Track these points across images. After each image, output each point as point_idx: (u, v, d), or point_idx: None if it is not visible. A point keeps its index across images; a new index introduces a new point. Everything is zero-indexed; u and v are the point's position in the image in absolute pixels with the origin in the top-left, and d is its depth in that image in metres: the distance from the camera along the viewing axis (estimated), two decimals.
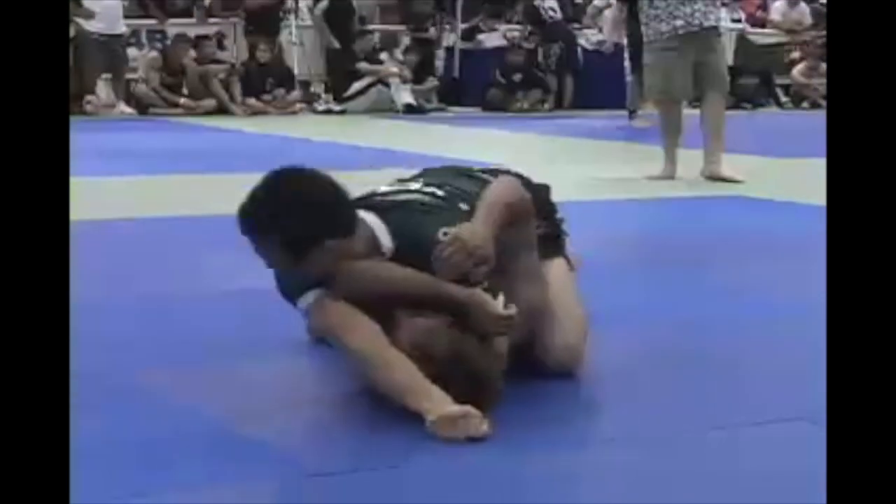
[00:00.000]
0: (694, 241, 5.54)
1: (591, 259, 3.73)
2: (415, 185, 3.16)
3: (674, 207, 6.68)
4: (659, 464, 2.56)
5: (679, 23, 7.34)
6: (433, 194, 3.06)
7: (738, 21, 17.73)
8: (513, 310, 2.83)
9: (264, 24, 14.70)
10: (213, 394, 2.96)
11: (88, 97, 13.37)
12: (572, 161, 9.15)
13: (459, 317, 2.79)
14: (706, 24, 7.31)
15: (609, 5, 15.86)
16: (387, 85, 14.64)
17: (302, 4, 15.81)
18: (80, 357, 2.43)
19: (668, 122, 7.76)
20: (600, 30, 16.14)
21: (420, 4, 16.18)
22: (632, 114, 12.72)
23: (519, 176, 3.29)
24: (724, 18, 7.49)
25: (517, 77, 15.30)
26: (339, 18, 15.13)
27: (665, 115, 7.83)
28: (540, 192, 3.31)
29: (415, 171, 3.35)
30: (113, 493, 2.33)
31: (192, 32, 14.59)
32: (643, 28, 7.64)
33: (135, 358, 3.27)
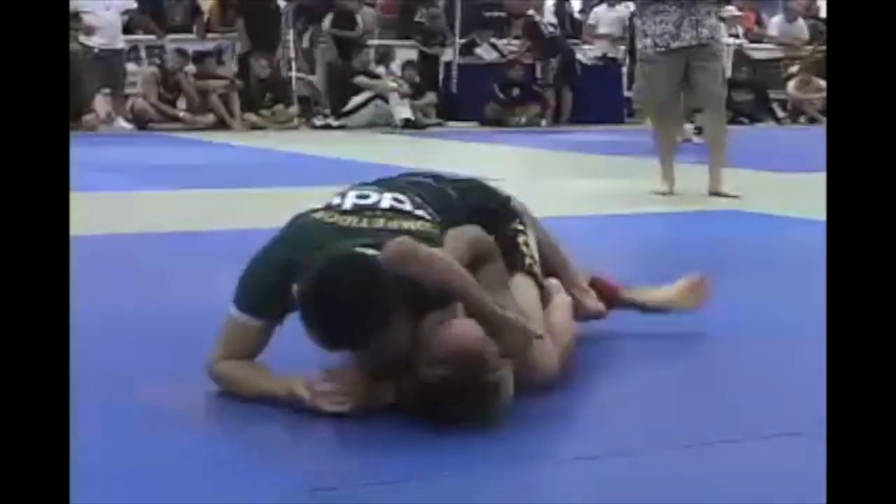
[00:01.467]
0: (689, 255, 5.54)
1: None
2: (406, 205, 3.06)
3: (670, 222, 6.68)
4: (656, 476, 2.55)
5: (648, 41, 7.42)
6: (425, 219, 3.03)
7: (736, 36, 17.79)
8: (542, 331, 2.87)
9: (263, 38, 14.74)
10: (212, 409, 2.96)
11: (87, 112, 13.39)
12: (570, 176, 9.17)
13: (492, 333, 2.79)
14: (673, 45, 7.32)
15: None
16: (385, 100, 14.67)
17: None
18: (80, 370, 2.43)
19: (660, 138, 7.79)
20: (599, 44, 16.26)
21: (427, 19, 16.23)
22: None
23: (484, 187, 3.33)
24: (715, 36, 7.39)
25: (515, 92, 15.33)
26: (341, 32, 15.21)
27: (657, 131, 7.86)
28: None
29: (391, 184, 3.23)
30: None
31: (191, 48, 14.63)
32: None
33: (134, 372, 3.26)
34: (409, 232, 2.90)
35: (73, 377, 2.12)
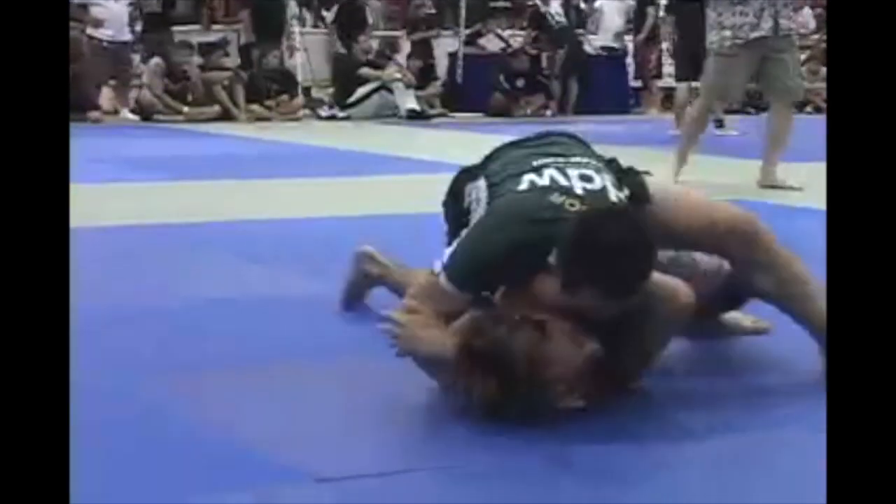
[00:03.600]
0: None
1: None
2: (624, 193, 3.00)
3: None
4: (663, 465, 2.56)
5: (727, 34, 7.27)
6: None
7: None
8: None
9: (268, 28, 14.72)
10: (216, 401, 2.96)
11: (93, 103, 13.40)
12: None
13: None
14: (752, 35, 7.19)
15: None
16: (390, 90, 14.65)
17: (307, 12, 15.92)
18: (80, 364, 2.43)
19: (694, 128, 7.67)
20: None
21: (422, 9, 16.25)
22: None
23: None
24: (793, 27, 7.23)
25: (521, 82, 15.31)
26: (347, 23, 15.20)
27: (697, 119, 7.75)
28: None
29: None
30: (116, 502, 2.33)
31: (196, 39, 14.62)
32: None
33: (136, 365, 3.26)
34: None
35: (72, 370, 2.11)
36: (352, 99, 14.56)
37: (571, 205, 2.82)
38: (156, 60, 14.00)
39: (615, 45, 16.38)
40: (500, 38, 16.69)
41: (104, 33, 13.60)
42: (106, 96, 13.98)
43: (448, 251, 2.91)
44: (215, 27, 15.27)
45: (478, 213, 2.99)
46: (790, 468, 2.52)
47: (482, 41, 16.53)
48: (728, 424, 2.81)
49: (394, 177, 7.91)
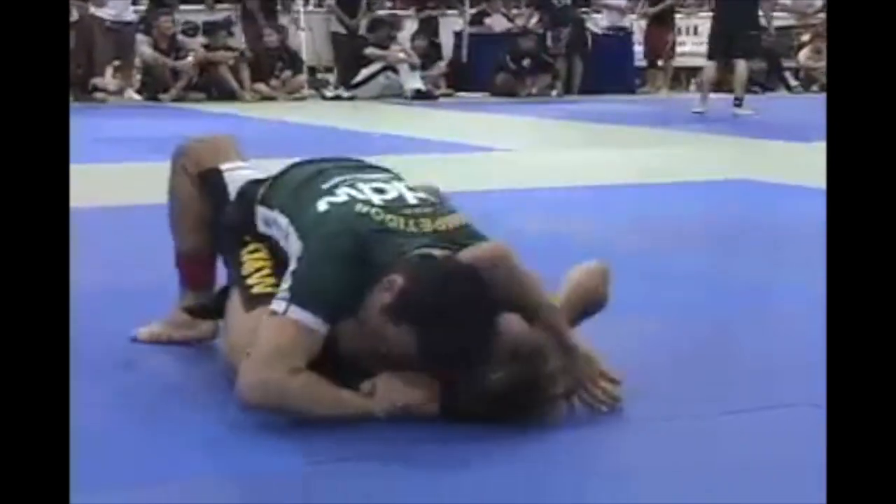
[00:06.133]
0: (697, 225, 5.53)
1: (609, 245, 3.74)
2: (421, 194, 2.92)
3: (681, 192, 6.65)
4: (670, 445, 2.56)
5: None
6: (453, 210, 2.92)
7: None
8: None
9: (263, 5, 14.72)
10: (212, 384, 2.95)
11: (97, 83, 13.40)
12: (580, 146, 9.15)
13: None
14: None
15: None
16: (395, 71, 14.64)
17: None
18: (79, 344, 2.43)
19: None
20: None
21: None
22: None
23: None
24: None
25: (526, 62, 15.29)
26: (346, 3, 15.18)
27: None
28: None
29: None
30: (114, 482, 2.33)
31: (201, 19, 14.63)
32: None
33: (134, 346, 3.26)
34: (461, 227, 2.83)
35: (72, 349, 2.11)
36: (357, 79, 14.56)
37: (377, 213, 2.77)
38: (141, 37, 13.91)
39: (621, 23, 16.33)
40: (506, 17, 16.67)
41: (107, 13, 13.60)
42: (110, 76, 13.98)
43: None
44: (219, 6, 15.26)
45: (293, 251, 2.83)
46: (789, 452, 2.52)
47: (488, 21, 16.51)
48: (722, 406, 2.82)
49: (402, 157, 7.92)
